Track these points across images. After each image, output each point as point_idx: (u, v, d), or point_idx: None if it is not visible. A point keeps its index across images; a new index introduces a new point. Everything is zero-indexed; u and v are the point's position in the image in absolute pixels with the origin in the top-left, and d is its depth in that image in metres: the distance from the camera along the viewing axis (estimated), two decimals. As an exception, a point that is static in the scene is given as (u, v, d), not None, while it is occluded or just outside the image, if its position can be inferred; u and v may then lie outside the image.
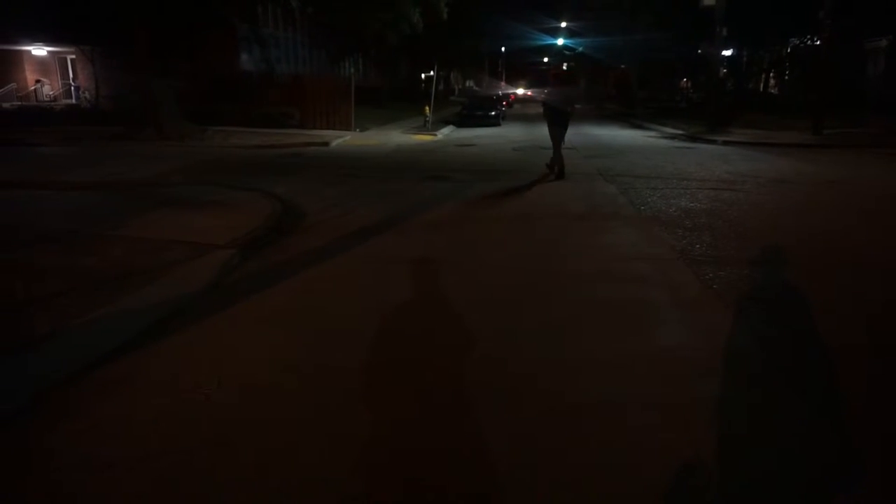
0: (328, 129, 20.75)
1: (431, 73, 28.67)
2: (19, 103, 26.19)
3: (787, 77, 35.97)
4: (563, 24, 50.39)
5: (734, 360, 3.51)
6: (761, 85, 38.07)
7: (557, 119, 10.75)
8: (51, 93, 29.27)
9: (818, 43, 20.85)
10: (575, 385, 3.23)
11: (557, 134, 10.61)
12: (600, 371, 3.40)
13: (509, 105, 40.11)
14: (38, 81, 29.00)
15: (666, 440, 2.71)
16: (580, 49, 48.15)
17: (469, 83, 72.06)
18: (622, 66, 42.05)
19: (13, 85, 27.96)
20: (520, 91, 65.60)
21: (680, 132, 20.79)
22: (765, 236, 6.44)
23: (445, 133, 21.62)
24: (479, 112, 25.43)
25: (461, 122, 25.05)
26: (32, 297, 4.15)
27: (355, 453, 2.62)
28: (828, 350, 3.68)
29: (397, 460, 2.60)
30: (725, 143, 17.44)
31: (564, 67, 51.05)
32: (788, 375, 3.34)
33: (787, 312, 4.37)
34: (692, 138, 19.02)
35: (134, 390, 3.15)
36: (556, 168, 10.48)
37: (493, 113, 25.38)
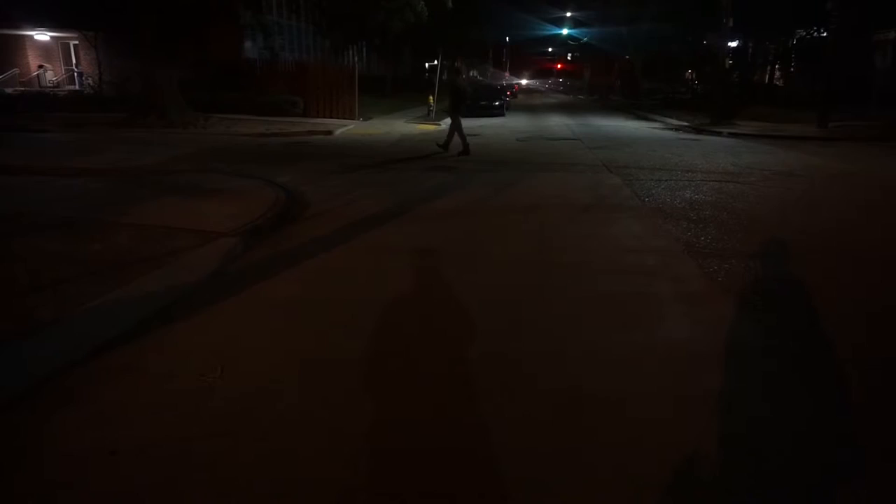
0: (332, 117, 20.68)
1: (435, 62, 28.53)
2: (22, 89, 26.10)
3: (792, 69, 35.71)
4: (568, 14, 50.13)
5: (738, 353, 3.50)
6: (767, 77, 37.82)
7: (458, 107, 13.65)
8: (53, 78, 29.20)
9: (825, 35, 20.69)
10: (577, 378, 3.21)
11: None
12: (603, 363, 3.38)
13: (513, 95, 39.95)
14: (40, 67, 28.93)
15: (669, 434, 2.70)
16: (585, 39, 47.92)
17: (473, 73, 71.76)
18: (627, 57, 41.80)
19: (15, 70, 27.90)
20: (524, 81, 65.43)
21: (685, 124, 20.70)
22: (770, 229, 6.41)
23: (449, 123, 21.48)
24: (483, 102, 25.23)
25: (465, 112, 24.90)
26: (35, 284, 4.14)
27: (355, 446, 2.61)
28: (833, 343, 3.66)
29: (398, 455, 2.58)
30: (731, 135, 17.37)
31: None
32: (793, 368, 3.33)
33: (792, 305, 4.35)
34: (697, 130, 18.94)
35: (135, 378, 3.14)
36: (463, 146, 12.81)
37: (497, 103, 25.22)
